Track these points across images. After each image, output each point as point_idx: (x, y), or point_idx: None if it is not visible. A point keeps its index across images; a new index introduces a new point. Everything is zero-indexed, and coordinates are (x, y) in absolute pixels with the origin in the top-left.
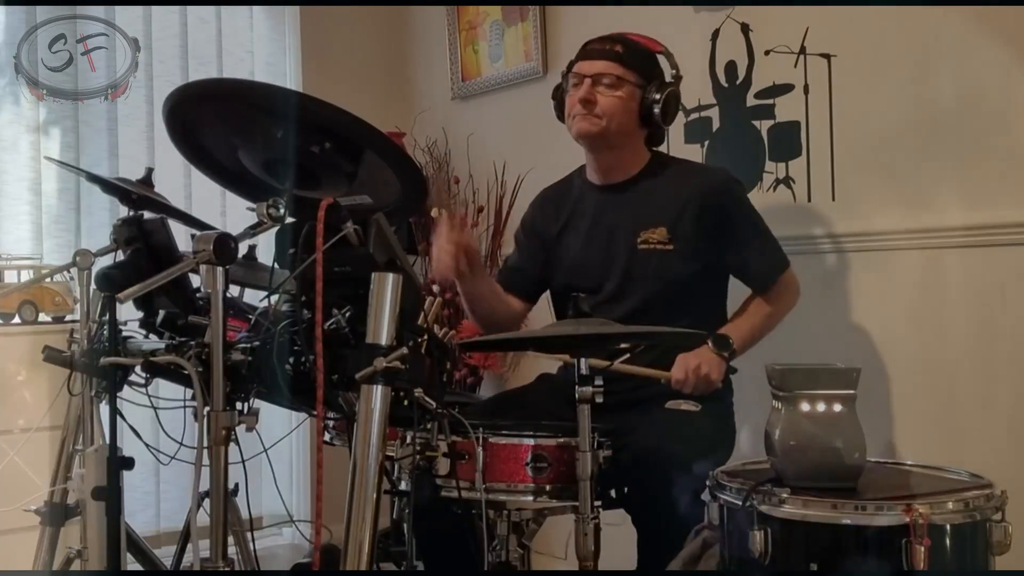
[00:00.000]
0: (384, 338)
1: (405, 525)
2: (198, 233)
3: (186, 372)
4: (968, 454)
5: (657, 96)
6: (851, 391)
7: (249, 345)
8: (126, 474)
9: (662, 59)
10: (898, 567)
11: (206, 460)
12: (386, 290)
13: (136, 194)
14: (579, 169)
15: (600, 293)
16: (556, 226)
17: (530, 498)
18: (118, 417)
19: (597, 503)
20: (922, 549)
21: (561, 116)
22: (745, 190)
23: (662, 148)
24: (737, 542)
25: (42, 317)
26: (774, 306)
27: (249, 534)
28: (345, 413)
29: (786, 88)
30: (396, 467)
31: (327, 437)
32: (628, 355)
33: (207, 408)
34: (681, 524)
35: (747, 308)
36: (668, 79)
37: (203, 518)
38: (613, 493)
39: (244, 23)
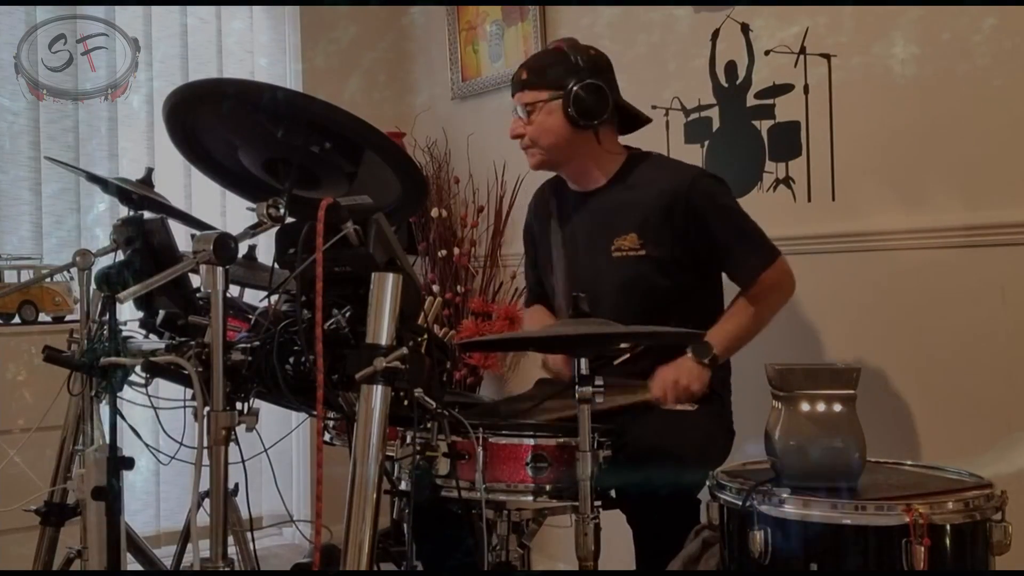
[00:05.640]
0: (384, 338)
1: (405, 525)
2: (198, 233)
3: (186, 372)
4: (968, 454)
5: (576, 92)
6: (851, 391)
7: (249, 345)
8: (126, 474)
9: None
10: (898, 567)
11: (206, 460)
12: (386, 290)
13: (136, 194)
14: None
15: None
16: (544, 233)
17: (530, 498)
18: (118, 417)
19: (597, 503)
20: (922, 549)
21: None
22: (720, 186)
23: (660, 147)
24: (737, 542)
25: (42, 317)
26: (760, 304)
27: (249, 534)
28: (345, 413)
29: (786, 88)
30: (396, 467)
31: (327, 437)
32: (627, 355)
33: (207, 408)
34: (675, 523)
35: (732, 309)
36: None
37: (203, 518)
38: (613, 493)
39: (244, 23)
